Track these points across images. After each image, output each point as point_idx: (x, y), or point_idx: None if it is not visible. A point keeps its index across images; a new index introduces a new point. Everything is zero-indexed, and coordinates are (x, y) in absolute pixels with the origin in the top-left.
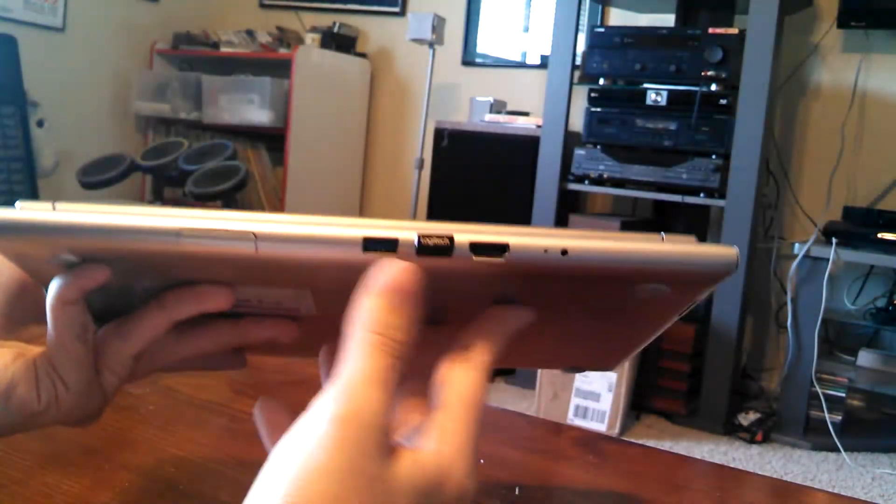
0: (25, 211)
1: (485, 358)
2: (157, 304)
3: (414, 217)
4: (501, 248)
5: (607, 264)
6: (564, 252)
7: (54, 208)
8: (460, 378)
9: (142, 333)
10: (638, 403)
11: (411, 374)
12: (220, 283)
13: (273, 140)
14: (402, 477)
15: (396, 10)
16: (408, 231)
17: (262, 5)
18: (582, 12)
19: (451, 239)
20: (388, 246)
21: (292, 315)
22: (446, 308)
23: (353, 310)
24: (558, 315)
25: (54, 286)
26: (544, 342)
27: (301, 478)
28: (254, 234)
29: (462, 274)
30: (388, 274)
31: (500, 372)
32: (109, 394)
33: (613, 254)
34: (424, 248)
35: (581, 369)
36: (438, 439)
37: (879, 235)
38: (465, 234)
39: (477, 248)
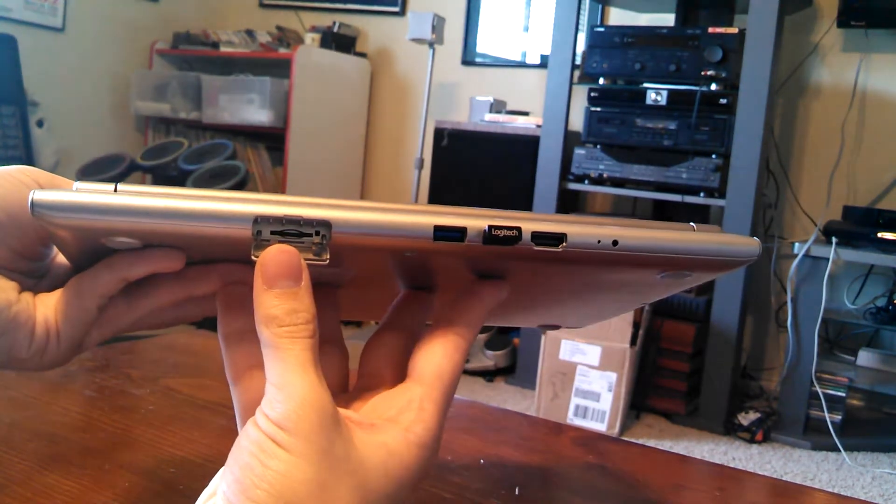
0: (91, 194)
1: (464, 337)
2: (106, 265)
3: None
4: (560, 238)
5: (652, 253)
6: (615, 242)
7: (116, 190)
8: (439, 356)
9: (94, 291)
10: (638, 403)
11: (392, 328)
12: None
13: (273, 140)
14: (366, 456)
15: (396, 9)
16: (478, 220)
17: (262, 5)
18: (582, 12)
19: (518, 230)
20: (457, 234)
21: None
22: (432, 276)
23: (255, 308)
24: (552, 286)
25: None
26: (526, 304)
27: (273, 479)
28: (330, 221)
29: (487, 256)
30: (272, 264)
31: (501, 371)
32: (71, 348)
33: (660, 244)
34: (493, 239)
35: (555, 327)
36: (412, 417)
37: (879, 235)
38: (529, 224)
39: (538, 237)
